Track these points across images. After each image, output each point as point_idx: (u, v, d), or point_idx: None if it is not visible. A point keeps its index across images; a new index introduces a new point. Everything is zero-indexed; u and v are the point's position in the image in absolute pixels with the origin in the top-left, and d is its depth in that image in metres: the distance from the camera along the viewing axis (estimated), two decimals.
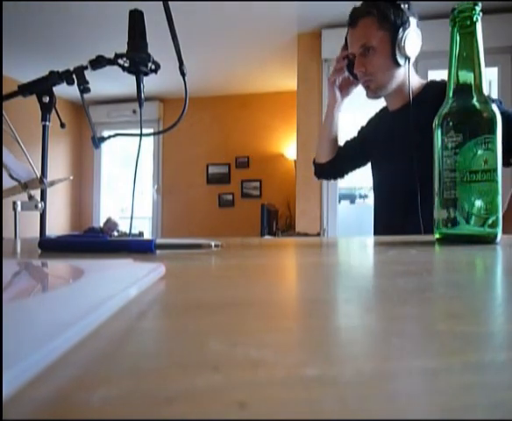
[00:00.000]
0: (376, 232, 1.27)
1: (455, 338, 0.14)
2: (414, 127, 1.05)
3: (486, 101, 0.53)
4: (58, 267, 0.25)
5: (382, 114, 1.28)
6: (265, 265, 0.34)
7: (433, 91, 1.10)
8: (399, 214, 1.15)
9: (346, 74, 1.18)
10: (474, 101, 0.54)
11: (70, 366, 0.11)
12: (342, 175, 1.44)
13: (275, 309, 0.18)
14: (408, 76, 1.08)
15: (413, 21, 1.06)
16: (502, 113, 0.92)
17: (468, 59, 0.55)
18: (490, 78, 3.06)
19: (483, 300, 0.20)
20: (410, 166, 1.05)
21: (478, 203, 0.52)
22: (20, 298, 0.18)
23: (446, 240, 0.54)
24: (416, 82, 1.14)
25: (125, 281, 0.19)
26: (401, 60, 1.06)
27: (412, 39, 1.05)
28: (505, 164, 0.99)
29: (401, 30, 1.04)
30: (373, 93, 1.13)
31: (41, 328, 0.12)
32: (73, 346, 0.12)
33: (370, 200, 3.46)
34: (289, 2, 2.79)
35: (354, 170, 1.42)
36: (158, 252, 0.37)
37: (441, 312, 0.18)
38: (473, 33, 0.54)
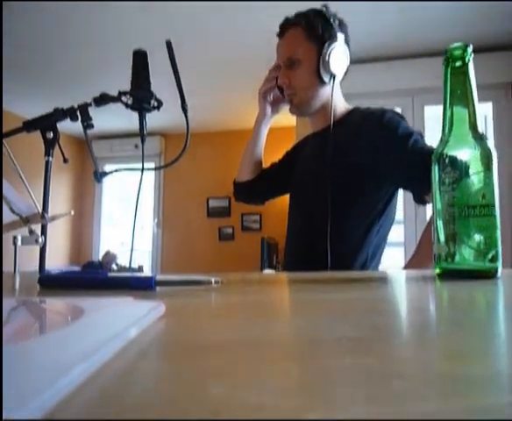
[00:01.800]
0: (284, 263, 1.16)
1: (456, 381, 0.14)
2: (333, 151, 0.99)
3: (481, 137, 0.54)
4: (58, 306, 0.25)
5: (308, 137, 1.23)
6: (264, 302, 0.33)
7: (356, 117, 1.07)
8: (306, 244, 1.07)
9: (277, 89, 1.12)
10: (470, 137, 0.55)
11: (73, 407, 0.11)
12: (262, 200, 1.35)
13: (275, 349, 0.18)
14: (332, 96, 1.03)
15: (341, 37, 1.02)
16: (421, 149, 0.93)
17: (462, 97, 0.56)
18: (485, 113, 3.12)
19: (485, 339, 0.20)
20: (324, 191, 0.98)
21: (477, 237, 0.52)
22: (21, 339, 0.18)
23: (447, 275, 0.54)
24: (341, 105, 1.10)
25: (126, 320, 0.19)
26: (325, 77, 1.01)
27: (338, 54, 1.01)
28: (420, 201, 0.96)
29: (327, 44, 0.99)
30: (295, 108, 1.07)
31: (43, 372, 0.12)
32: (75, 388, 0.12)
33: None
34: None
35: (276, 196, 1.32)
36: (158, 288, 0.37)
37: (442, 352, 0.18)
38: (466, 73, 0.56)
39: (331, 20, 1.02)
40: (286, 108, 1.18)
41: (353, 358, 0.17)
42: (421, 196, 0.96)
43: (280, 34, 1.06)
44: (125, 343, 0.17)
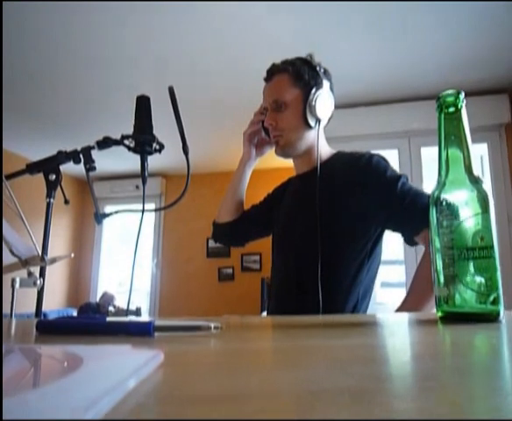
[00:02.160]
0: (271, 306, 1.13)
1: None
2: (318, 193, 1.01)
3: (476, 180, 0.55)
4: (56, 354, 0.25)
5: (290, 180, 1.25)
6: (264, 349, 0.33)
7: (341, 161, 1.09)
8: (294, 288, 1.05)
9: (262, 131, 1.15)
10: (466, 180, 0.56)
11: None
12: (242, 242, 1.33)
13: (275, 402, 0.18)
14: (317, 139, 1.06)
15: (326, 84, 1.06)
16: (408, 191, 0.96)
17: (456, 141, 0.58)
18: (481, 153, 3.18)
19: (489, 388, 0.20)
20: (312, 234, 0.99)
21: (477, 279, 0.52)
22: (17, 389, 0.18)
23: (449, 319, 0.53)
24: (325, 149, 1.13)
25: (124, 371, 0.19)
26: (311, 121, 1.04)
27: (324, 100, 1.05)
28: (410, 243, 0.98)
29: (313, 89, 1.03)
30: (281, 150, 1.09)
31: None
32: None
33: None
34: None
35: (256, 238, 1.32)
36: (156, 334, 0.37)
37: (443, 404, 0.17)
38: (459, 118, 0.58)
39: (317, 68, 1.07)
40: (270, 151, 1.21)
41: (355, 411, 0.17)
42: (411, 238, 0.97)
43: (268, 78, 1.10)
44: (124, 395, 0.17)
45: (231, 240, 1.35)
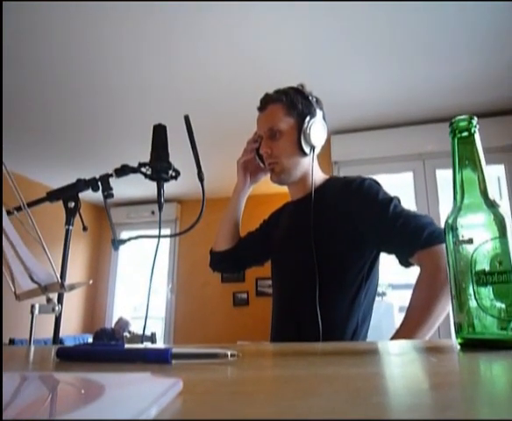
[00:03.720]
0: (272, 334, 1.13)
1: None
2: (316, 219, 1.02)
3: (492, 204, 0.55)
4: (79, 382, 0.25)
5: (285, 206, 1.26)
6: (282, 377, 0.33)
7: (335, 185, 1.11)
8: (292, 319, 1.05)
9: (257, 159, 1.18)
10: (482, 204, 0.55)
11: None
12: (240, 268, 1.34)
13: None
14: (312, 166, 1.09)
15: (319, 113, 1.10)
16: (400, 213, 0.95)
17: (471, 165, 0.58)
18: (498, 174, 3.14)
19: None
20: (307, 260, 0.99)
21: (497, 305, 0.51)
22: (40, 417, 0.18)
23: (469, 345, 0.52)
24: (318, 175, 1.15)
25: (145, 399, 0.19)
26: (306, 148, 1.07)
27: (317, 128, 1.08)
28: (405, 264, 0.96)
29: (307, 118, 1.06)
30: (277, 177, 1.11)
31: None
32: None
33: (389, 297, 3.29)
34: None
35: (253, 265, 1.33)
36: (174, 362, 0.37)
37: None
38: (473, 142, 0.58)
39: (310, 98, 1.11)
40: (264, 178, 1.23)
41: None
42: (405, 259, 0.96)
43: (261, 108, 1.13)
44: None
45: (229, 268, 1.36)
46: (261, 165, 1.18)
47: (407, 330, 0.88)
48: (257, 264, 1.33)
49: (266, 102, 1.12)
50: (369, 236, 1.00)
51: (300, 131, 1.07)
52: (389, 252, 1.00)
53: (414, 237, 0.91)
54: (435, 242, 0.89)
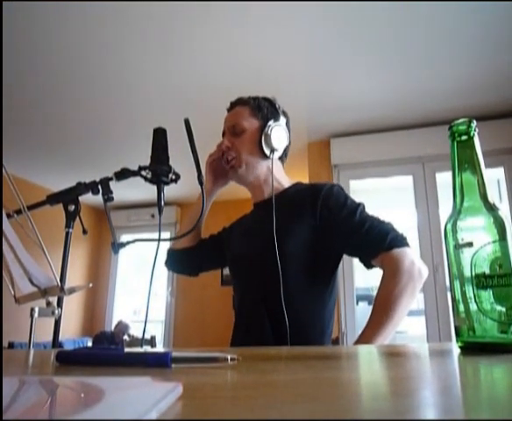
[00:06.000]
0: (233, 337, 1.12)
1: None
2: (272, 221, 1.02)
3: (492, 207, 0.55)
4: (78, 386, 0.25)
5: (246, 214, 1.28)
6: (282, 381, 0.33)
7: (300, 189, 1.13)
8: (255, 317, 1.04)
9: (223, 160, 1.17)
10: (482, 207, 0.55)
11: None
12: (196, 271, 1.33)
13: None
14: (272, 168, 1.11)
15: (283, 120, 1.14)
16: (366, 217, 0.99)
17: (470, 169, 0.58)
18: (498, 177, 3.14)
19: None
20: (272, 264, 0.99)
21: (497, 308, 0.51)
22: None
23: (469, 349, 0.52)
24: (284, 179, 1.17)
25: (145, 403, 0.19)
26: (266, 150, 1.10)
27: (279, 132, 1.11)
28: (369, 266, 1.00)
29: (271, 121, 1.11)
30: (234, 171, 1.13)
31: None
32: None
33: None
34: (300, 115, 3.03)
35: (211, 269, 1.33)
36: (173, 365, 0.37)
37: None
38: (472, 146, 0.58)
39: (277, 106, 1.15)
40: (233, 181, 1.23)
41: None
42: (368, 261, 1.00)
43: (230, 109, 1.19)
44: None
45: (185, 268, 1.34)
46: (225, 165, 1.17)
47: (369, 334, 0.90)
48: (214, 267, 1.35)
49: (235, 103, 1.17)
50: (336, 238, 1.03)
51: (262, 132, 1.11)
52: (354, 254, 1.05)
53: (379, 240, 0.96)
54: (397, 245, 0.95)
